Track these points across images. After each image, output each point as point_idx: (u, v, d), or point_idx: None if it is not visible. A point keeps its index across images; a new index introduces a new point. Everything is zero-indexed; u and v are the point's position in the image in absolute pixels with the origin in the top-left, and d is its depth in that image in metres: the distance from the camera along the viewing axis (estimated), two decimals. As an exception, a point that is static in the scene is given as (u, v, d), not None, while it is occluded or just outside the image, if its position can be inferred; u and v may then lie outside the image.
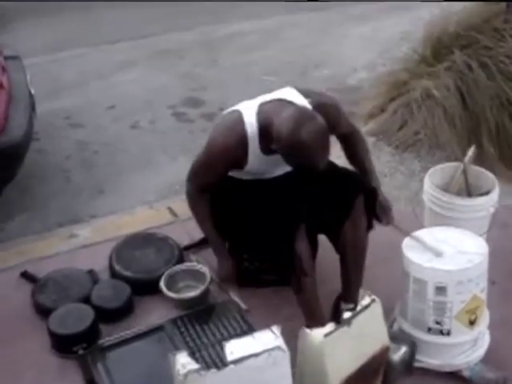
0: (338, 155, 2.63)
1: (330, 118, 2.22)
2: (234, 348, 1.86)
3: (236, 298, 2.62)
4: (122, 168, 3.92)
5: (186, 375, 1.79)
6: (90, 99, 4.76)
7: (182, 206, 3.27)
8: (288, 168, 2.37)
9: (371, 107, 4.15)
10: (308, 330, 1.97)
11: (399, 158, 3.69)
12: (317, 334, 1.95)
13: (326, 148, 2.14)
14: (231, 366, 1.82)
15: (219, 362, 2.21)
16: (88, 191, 3.72)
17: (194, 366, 1.81)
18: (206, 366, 1.96)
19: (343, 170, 2.52)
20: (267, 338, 1.89)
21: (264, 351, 1.84)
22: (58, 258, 2.97)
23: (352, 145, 2.55)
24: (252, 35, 5.83)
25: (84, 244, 3.08)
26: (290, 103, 2.24)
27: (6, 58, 3.70)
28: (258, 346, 1.86)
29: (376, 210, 2.45)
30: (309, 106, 2.26)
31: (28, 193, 3.69)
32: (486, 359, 2.33)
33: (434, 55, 3.89)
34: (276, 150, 2.20)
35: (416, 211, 3.01)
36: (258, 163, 2.34)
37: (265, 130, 2.23)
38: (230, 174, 2.44)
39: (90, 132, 4.34)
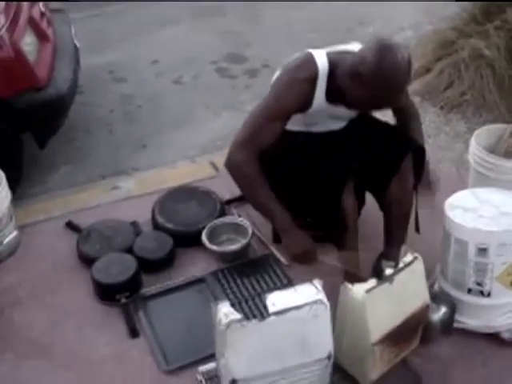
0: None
1: None
2: (276, 300, 1.89)
3: (277, 253, 2.64)
4: (164, 123, 3.94)
5: (228, 325, 1.81)
6: (133, 54, 4.76)
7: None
8: (341, 124, 2.36)
9: (417, 66, 4.05)
10: (350, 286, 1.98)
11: (444, 119, 3.64)
12: (359, 290, 1.96)
13: (405, 82, 2.09)
14: (273, 317, 1.85)
15: (259, 314, 2.23)
16: (131, 145, 3.77)
17: (236, 316, 1.83)
18: (247, 317, 1.97)
19: (394, 129, 2.50)
20: (309, 292, 1.91)
21: (306, 304, 1.86)
22: (101, 209, 3.01)
23: (405, 118, 2.52)
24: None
25: (127, 196, 3.11)
26: None
27: (51, 11, 3.72)
28: (299, 298, 1.88)
29: (423, 171, 2.43)
30: None
31: (71, 145, 3.76)
32: (526, 322, 2.32)
33: (484, 14, 3.80)
34: (341, 97, 2.17)
35: (461, 172, 2.98)
36: (319, 110, 2.28)
37: (335, 72, 2.18)
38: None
39: (134, 86, 4.36)
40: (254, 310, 2.40)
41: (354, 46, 2.27)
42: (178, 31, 5.11)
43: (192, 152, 3.61)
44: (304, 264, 2.37)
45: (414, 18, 5.04)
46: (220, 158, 3.34)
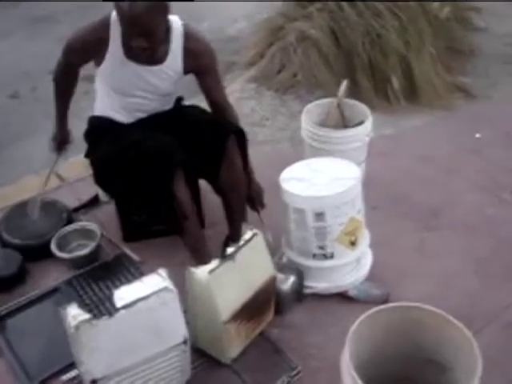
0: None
1: (198, 54, 2.43)
2: (124, 294, 1.91)
3: (129, 251, 2.66)
4: (5, 139, 3.81)
5: (77, 327, 1.81)
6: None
7: (69, 170, 3.29)
8: (149, 90, 2.49)
9: (251, 55, 4.22)
10: (193, 269, 2.03)
11: (280, 101, 3.78)
12: (202, 272, 2.01)
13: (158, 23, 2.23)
14: (122, 311, 1.86)
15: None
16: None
17: (84, 316, 1.83)
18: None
19: (213, 116, 2.58)
20: (155, 281, 1.94)
21: (152, 293, 1.89)
22: None
23: (222, 111, 2.59)
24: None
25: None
26: None
27: None
28: (146, 289, 1.91)
29: (247, 154, 2.53)
30: (179, 28, 2.41)
31: None
32: (371, 278, 2.47)
33: (307, -3, 3.97)
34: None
35: (297, 148, 3.11)
36: (118, 62, 2.40)
37: None
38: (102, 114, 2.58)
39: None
40: (111, 308, 2.39)
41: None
42: (10, 43, 4.96)
43: (37, 165, 3.52)
44: (58, 151, 2.88)
45: (247, 10, 5.18)
46: (65, 168, 3.32)
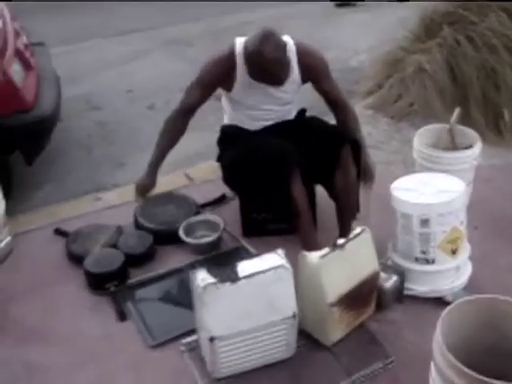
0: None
1: (311, 66, 2.74)
2: (245, 267, 2.19)
3: (247, 245, 2.95)
4: (140, 144, 4.23)
5: (204, 288, 2.11)
6: (107, 85, 5.11)
7: (197, 172, 3.66)
8: (274, 103, 2.80)
9: (370, 85, 4.47)
10: (306, 253, 2.29)
11: (395, 127, 4.01)
12: (314, 256, 2.27)
13: (283, 63, 2.62)
14: (243, 280, 2.15)
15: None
16: (109, 164, 4.05)
17: (211, 279, 2.13)
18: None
19: (330, 125, 2.88)
20: (273, 259, 2.22)
21: (270, 268, 2.17)
22: (86, 217, 3.29)
23: (341, 114, 2.89)
24: (255, 24, 6.15)
25: (109, 205, 3.40)
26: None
27: (32, 44, 4.05)
28: (265, 264, 2.19)
29: (361, 160, 2.78)
30: (293, 47, 2.73)
31: (53, 166, 4.02)
32: (469, 288, 2.62)
33: (426, 33, 4.20)
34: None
35: (409, 170, 3.31)
36: (246, 87, 2.74)
37: None
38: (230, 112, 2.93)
39: (109, 113, 4.69)
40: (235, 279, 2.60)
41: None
42: (150, 62, 5.47)
43: (167, 168, 3.89)
44: (139, 195, 3.09)
45: (368, 43, 5.45)
46: (193, 170, 3.69)
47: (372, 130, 3.96)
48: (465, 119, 3.59)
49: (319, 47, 2.94)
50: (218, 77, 2.77)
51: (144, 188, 3.07)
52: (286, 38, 2.74)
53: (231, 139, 2.92)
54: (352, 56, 5.37)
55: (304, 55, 2.76)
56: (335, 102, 2.85)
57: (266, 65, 2.56)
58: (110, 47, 5.86)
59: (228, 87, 2.80)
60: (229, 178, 2.93)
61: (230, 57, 2.72)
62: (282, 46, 2.60)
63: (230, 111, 2.95)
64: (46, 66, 3.91)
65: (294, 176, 2.63)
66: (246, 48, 2.62)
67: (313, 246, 2.61)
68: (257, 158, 2.69)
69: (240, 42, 2.71)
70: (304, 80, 2.81)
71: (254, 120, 2.88)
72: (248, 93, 2.77)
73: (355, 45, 5.53)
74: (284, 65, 2.63)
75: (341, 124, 2.89)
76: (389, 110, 4.12)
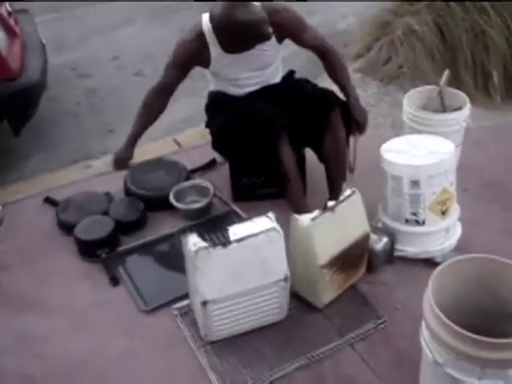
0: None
1: (283, 23, 2.67)
2: (237, 231, 2.20)
3: (237, 209, 2.96)
4: (128, 110, 4.16)
5: (196, 252, 2.12)
6: (93, 52, 5.06)
7: (186, 138, 3.65)
8: (253, 68, 2.76)
9: (359, 48, 4.44)
10: (297, 216, 2.30)
11: (384, 90, 3.99)
12: (305, 218, 2.28)
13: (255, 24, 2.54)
14: (234, 244, 2.15)
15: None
16: (98, 132, 4.03)
17: (203, 243, 2.13)
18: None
19: (319, 88, 2.86)
20: (264, 222, 2.23)
21: (261, 231, 2.18)
22: (75, 185, 3.28)
23: (329, 62, 2.84)
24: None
25: (99, 173, 3.39)
26: None
27: (16, 11, 3.99)
28: (256, 228, 2.20)
29: (351, 122, 2.77)
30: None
31: (42, 136, 3.99)
32: (458, 250, 2.63)
33: (415, -6, 4.16)
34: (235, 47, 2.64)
35: (398, 132, 3.31)
36: (222, 62, 2.72)
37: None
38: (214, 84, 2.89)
39: (97, 80, 4.65)
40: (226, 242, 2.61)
41: None
42: (136, 30, 5.41)
43: (155, 134, 3.88)
44: (116, 168, 3.06)
45: (357, 8, 5.40)
46: (182, 136, 3.68)
47: (361, 92, 3.92)
48: (454, 81, 3.59)
49: (305, 11, 2.91)
50: (190, 58, 2.75)
51: (121, 161, 3.04)
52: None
53: (219, 105, 2.90)
54: (340, 19, 5.33)
55: (274, 14, 2.64)
56: (318, 49, 2.81)
57: (238, 29, 2.52)
58: (96, 15, 5.78)
59: (204, 64, 2.78)
60: (218, 144, 2.93)
61: (200, 36, 2.68)
62: (250, 6, 2.54)
63: (213, 81, 2.93)
64: (31, 34, 3.86)
65: (283, 140, 2.62)
66: (212, 18, 2.58)
67: (303, 210, 2.60)
68: (245, 123, 2.69)
69: (206, 20, 2.66)
70: (280, 39, 2.76)
71: (239, 87, 2.85)
72: (226, 65, 2.75)
73: (343, 8, 5.47)
74: (258, 25, 2.56)
75: (330, 73, 2.85)
76: (378, 72, 4.09)
